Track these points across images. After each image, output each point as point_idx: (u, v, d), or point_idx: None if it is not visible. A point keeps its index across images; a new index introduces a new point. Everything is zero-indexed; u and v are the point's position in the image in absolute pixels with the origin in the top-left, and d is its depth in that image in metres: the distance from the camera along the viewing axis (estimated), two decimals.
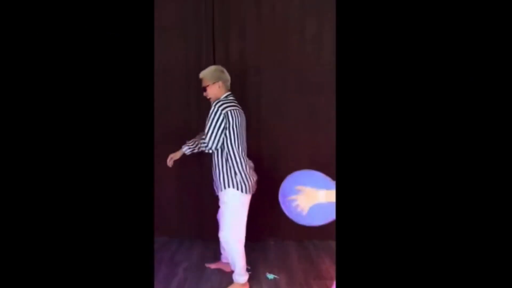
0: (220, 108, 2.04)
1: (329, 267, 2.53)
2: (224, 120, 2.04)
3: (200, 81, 2.24)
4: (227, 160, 2.12)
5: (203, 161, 2.90)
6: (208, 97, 2.23)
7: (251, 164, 2.30)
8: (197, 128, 2.92)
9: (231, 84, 2.26)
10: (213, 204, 2.97)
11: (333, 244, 2.90)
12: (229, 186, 2.11)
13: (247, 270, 2.44)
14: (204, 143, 2.09)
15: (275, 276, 2.43)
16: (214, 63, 2.77)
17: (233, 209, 2.15)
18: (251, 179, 2.16)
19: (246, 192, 2.13)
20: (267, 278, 2.41)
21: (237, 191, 2.11)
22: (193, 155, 2.52)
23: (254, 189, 2.23)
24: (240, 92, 2.77)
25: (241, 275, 2.24)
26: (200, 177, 2.92)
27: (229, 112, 2.05)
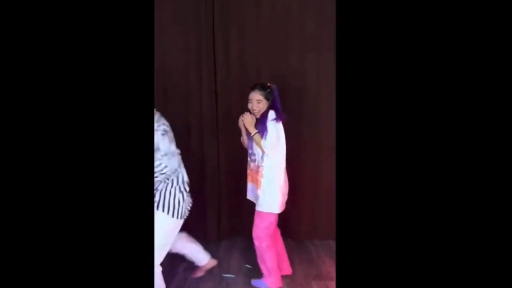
0: None
1: (329, 267, 2.53)
2: None
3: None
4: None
5: (204, 160, 2.91)
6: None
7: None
8: (196, 129, 2.92)
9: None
10: (213, 204, 2.98)
11: (333, 244, 2.89)
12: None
13: (248, 268, 2.48)
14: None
15: (231, 276, 2.44)
16: (214, 63, 2.78)
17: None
18: None
19: None
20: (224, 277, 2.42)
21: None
22: (192, 154, 2.51)
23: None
24: (240, 92, 2.77)
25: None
26: (200, 177, 2.92)
27: None
